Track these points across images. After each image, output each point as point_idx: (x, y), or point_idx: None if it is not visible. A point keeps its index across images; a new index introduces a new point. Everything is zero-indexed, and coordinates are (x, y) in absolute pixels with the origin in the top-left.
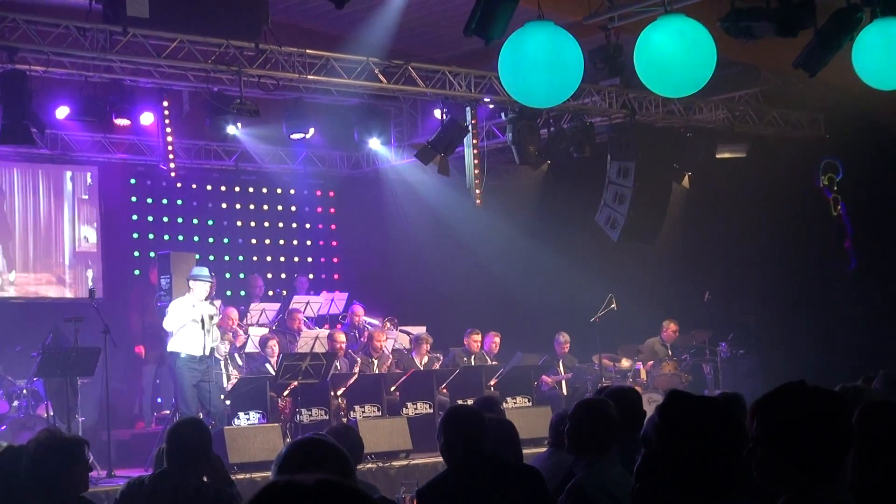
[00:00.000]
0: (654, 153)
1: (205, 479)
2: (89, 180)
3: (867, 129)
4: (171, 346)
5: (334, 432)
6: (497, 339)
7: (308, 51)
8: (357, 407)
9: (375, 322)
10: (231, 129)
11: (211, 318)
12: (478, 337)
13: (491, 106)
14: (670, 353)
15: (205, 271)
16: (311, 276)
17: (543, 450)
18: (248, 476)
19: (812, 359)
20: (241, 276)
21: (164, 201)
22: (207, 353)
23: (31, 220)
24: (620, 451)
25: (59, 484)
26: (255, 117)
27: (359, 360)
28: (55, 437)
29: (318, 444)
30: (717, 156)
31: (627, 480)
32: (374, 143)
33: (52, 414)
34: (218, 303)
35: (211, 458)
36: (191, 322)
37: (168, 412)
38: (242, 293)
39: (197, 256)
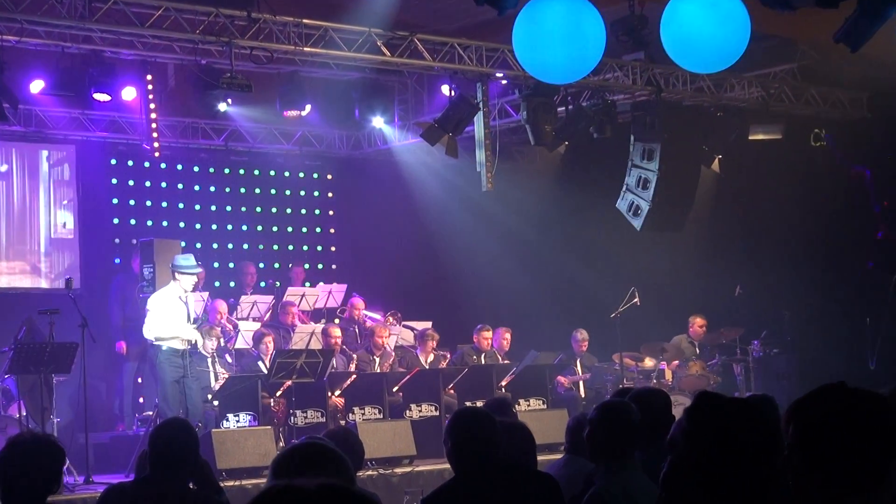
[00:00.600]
0: (682, 134)
1: (191, 487)
2: (66, 160)
3: None
4: (150, 335)
5: (332, 436)
6: (508, 336)
7: (305, 20)
8: (356, 409)
9: (377, 317)
10: (221, 106)
11: (198, 313)
12: (488, 333)
13: (504, 82)
14: (698, 351)
15: (191, 260)
16: (306, 266)
17: (559, 456)
18: (237, 483)
19: (853, 359)
20: (231, 265)
21: (147, 184)
22: (189, 347)
23: (2, 204)
24: (644, 457)
25: (20, 485)
26: (246, 93)
27: (355, 356)
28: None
29: (317, 449)
30: (750, 137)
31: (652, 489)
32: (378, 122)
33: (24, 414)
34: (205, 294)
35: (198, 463)
36: (176, 313)
37: (151, 413)
38: (232, 284)
39: (182, 244)
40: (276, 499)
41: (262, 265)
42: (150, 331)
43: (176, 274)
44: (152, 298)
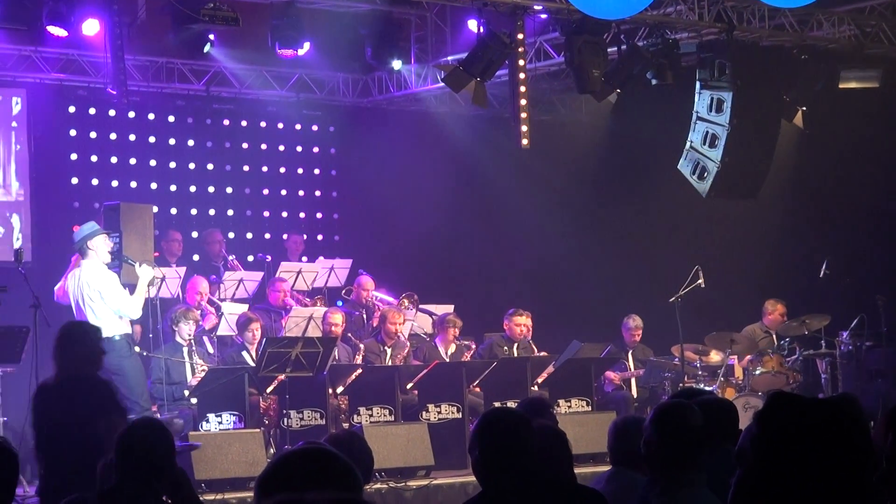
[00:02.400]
0: (758, 81)
1: (166, 500)
2: (14, 107)
3: None
4: (103, 332)
5: (336, 442)
6: (528, 322)
7: None
8: (363, 409)
9: (389, 299)
10: (206, 47)
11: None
12: (522, 319)
13: (543, 16)
14: (775, 343)
15: (92, 224)
16: (304, 236)
17: (606, 468)
18: (219, 496)
19: None
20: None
21: (113, 136)
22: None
23: None
24: (709, 471)
25: None
26: (233, 27)
27: (362, 346)
28: None
29: (321, 457)
30: (841, 86)
31: None
32: (397, 65)
33: None
34: (181, 270)
35: (174, 472)
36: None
37: None
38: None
39: (155, 209)
40: None
41: (249, 235)
42: (135, 307)
43: (88, 244)
44: (90, 283)
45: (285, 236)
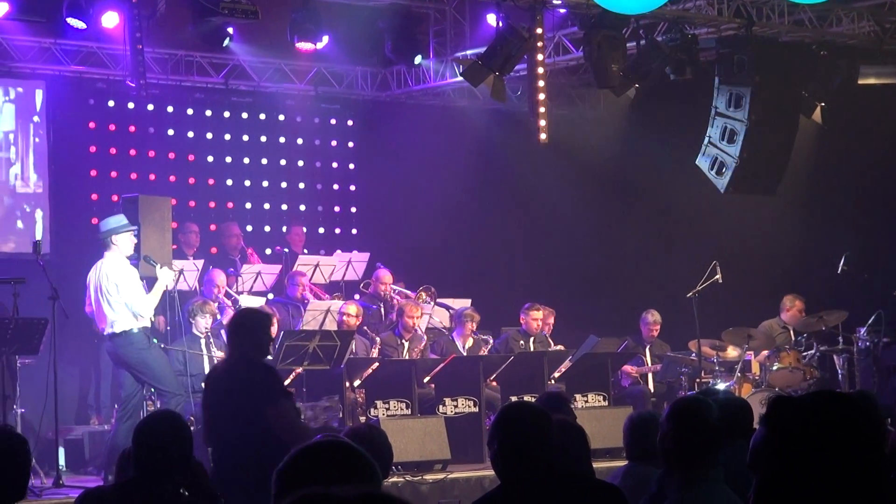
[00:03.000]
0: (777, 77)
1: (183, 493)
2: (34, 100)
3: None
4: (119, 325)
5: (355, 436)
6: (551, 320)
7: None
8: (379, 402)
9: (407, 293)
10: (225, 42)
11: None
12: (538, 313)
13: (562, 11)
14: (793, 339)
15: (121, 218)
16: (321, 230)
17: (622, 463)
18: None
19: None
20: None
21: (132, 129)
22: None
23: None
24: (727, 466)
25: None
26: (252, 20)
27: (378, 340)
28: None
29: (343, 450)
30: (860, 81)
31: None
32: (418, 62)
33: None
34: (199, 263)
35: (191, 465)
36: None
37: None
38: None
39: (173, 201)
40: None
41: (267, 228)
42: (149, 305)
43: (112, 238)
44: (108, 276)
45: (285, 228)
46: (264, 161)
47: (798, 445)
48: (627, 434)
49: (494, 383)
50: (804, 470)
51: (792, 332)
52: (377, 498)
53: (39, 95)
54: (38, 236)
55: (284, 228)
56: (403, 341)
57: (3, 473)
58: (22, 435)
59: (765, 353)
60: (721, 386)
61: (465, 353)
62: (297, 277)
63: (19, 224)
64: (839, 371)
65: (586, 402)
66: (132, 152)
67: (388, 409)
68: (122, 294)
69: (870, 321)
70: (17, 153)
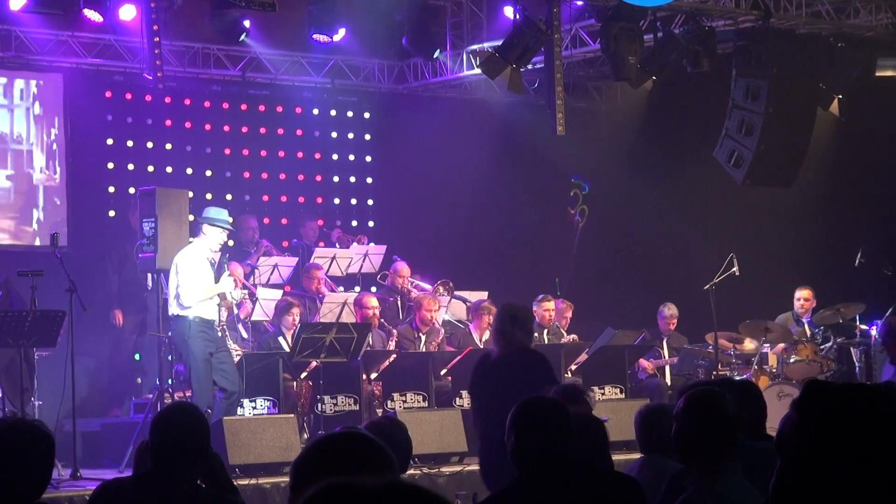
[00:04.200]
0: (794, 69)
1: (200, 484)
2: (52, 92)
3: None
4: (173, 309)
5: (375, 428)
6: (569, 314)
7: None
8: (396, 395)
9: (425, 286)
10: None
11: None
12: (550, 304)
13: (579, 3)
14: (808, 332)
15: (224, 214)
16: (338, 223)
17: (639, 456)
18: (253, 482)
19: None
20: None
21: (149, 121)
22: (222, 317)
23: None
24: (743, 458)
25: (4, 485)
26: (269, 12)
27: (395, 333)
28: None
29: (362, 443)
30: (878, 74)
31: (755, 498)
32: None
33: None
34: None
35: (208, 456)
36: (207, 276)
37: (151, 396)
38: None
39: (190, 194)
40: (335, 498)
41: (284, 221)
42: (189, 297)
43: (204, 227)
44: (180, 258)
45: (325, 228)
46: (281, 154)
47: (828, 432)
48: (639, 428)
49: None
50: (832, 457)
51: (806, 325)
52: (402, 487)
53: (57, 88)
54: (55, 229)
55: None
56: (421, 335)
57: (25, 471)
58: (49, 432)
59: (781, 345)
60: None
61: (481, 346)
62: (313, 271)
63: (38, 216)
64: (856, 364)
65: (603, 394)
66: (149, 145)
67: (405, 401)
68: (179, 279)
69: (887, 313)
70: (36, 145)
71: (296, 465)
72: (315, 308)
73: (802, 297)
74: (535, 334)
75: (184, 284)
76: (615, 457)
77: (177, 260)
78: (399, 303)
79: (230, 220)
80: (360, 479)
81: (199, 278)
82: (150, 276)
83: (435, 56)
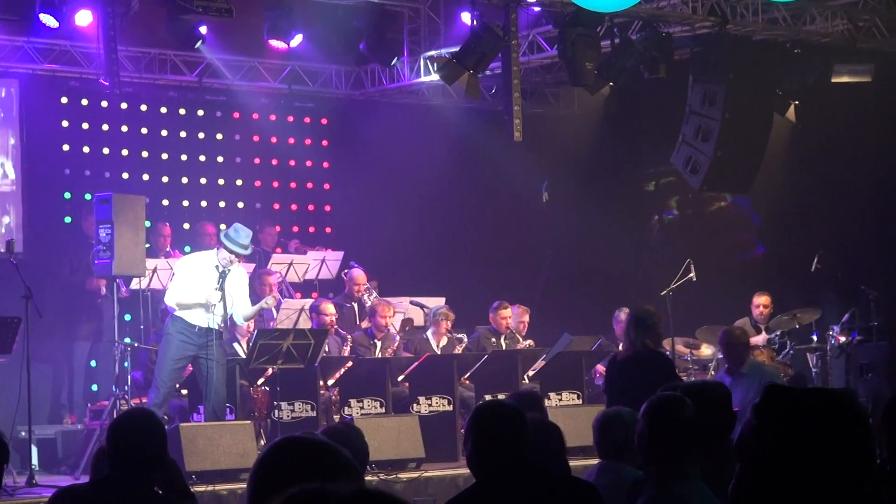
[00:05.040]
0: (751, 75)
1: (157, 491)
2: (7, 98)
3: None
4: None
5: (333, 434)
6: (526, 318)
7: None
8: (353, 401)
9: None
10: (196, 44)
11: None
12: (507, 312)
13: (536, 9)
14: (766, 337)
15: (242, 238)
16: (295, 228)
17: (596, 461)
18: (209, 488)
19: None
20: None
21: (105, 127)
22: (214, 325)
23: None
24: (702, 464)
25: None
26: (226, 18)
27: (350, 339)
28: None
29: (323, 449)
30: (834, 80)
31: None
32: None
33: None
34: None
35: (166, 463)
36: (206, 281)
37: (106, 403)
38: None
39: (147, 200)
40: None
41: None
42: (168, 297)
43: (224, 242)
44: (183, 260)
45: (258, 227)
46: (238, 159)
47: (788, 436)
48: (596, 433)
49: (467, 382)
50: (791, 461)
51: (764, 330)
52: (372, 495)
53: (13, 94)
54: (10, 235)
55: (257, 227)
56: (376, 341)
57: None
58: (4, 440)
59: None
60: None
61: (439, 352)
62: (265, 276)
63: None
64: (812, 369)
65: (560, 400)
66: (105, 151)
67: (362, 408)
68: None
69: (843, 319)
70: None
71: (255, 470)
72: (268, 316)
73: (761, 303)
74: (493, 340)
75: (169, 285)
76: (572, 462)
77: (182, 259)
78: (356, 310)
79: (247, 245)
80: (331, 487)
81: (181, 283)
82: (104, 282)
83: (393, 63)
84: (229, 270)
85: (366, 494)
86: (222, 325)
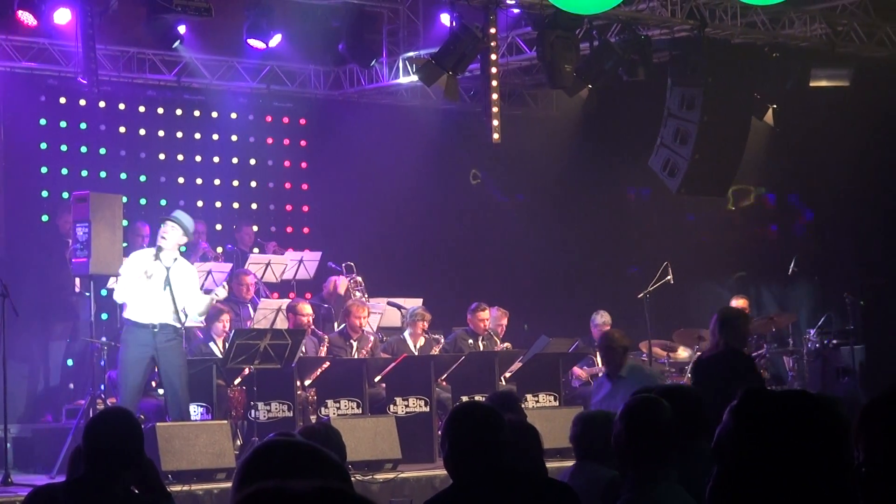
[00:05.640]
0: (729, 79)
1: (134, 490)
2: None
3: None
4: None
5: (311, 434)
6: (504, 321)
7: None
8: (330, 402)
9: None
10: (174, 44)
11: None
12: (485, 314)
13: (516, 11)
14: None
15: (186, 220)
16: (272, 228)
17: (572, 463)
18: (185, 488)
19: None
20: None
21: (83, 126)
22: (167, 320)
23: None
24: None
25: None
26: (205, 18)
27: (326, 339)
28: None
29: (304, 449)
30: (812, 84)
31: None
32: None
33: None
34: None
35: (142, 462)
36: (141, 276)
37: (83, 402)
38: (183, 249)
39: (124, 199)
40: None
41: (219, 227)
42: (117, 293)
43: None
44: (128, 258)
45: (235, 226)
46: (216, 159)
47: (765, 438)
48: (575, 433)
49: (444, 383)
50: (768, 463)
51: None
52: (333, 492)
53: None
54: None
55: (236, 226)
56: (352, 342)
57: None
58: None
59: None
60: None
61: (416, 353)
62: (241, 276)
63: None
64: (789, 372)
65: (537, 402)
66: (83, 149)
67: (338, 408)
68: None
69: (819, 323)
70: None
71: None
72: (249, 315)
73: (738, 306)
74: (471, 341)
75: (116, 284)
76: (549, 464)
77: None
78: (333, 311)
79: (190, 230)
80: (292, 483)
81: (127, 280)
82: (78, 280)
83: (371, 64)
84: (174, 262)
85: (325, 491)
86: (178, 323)
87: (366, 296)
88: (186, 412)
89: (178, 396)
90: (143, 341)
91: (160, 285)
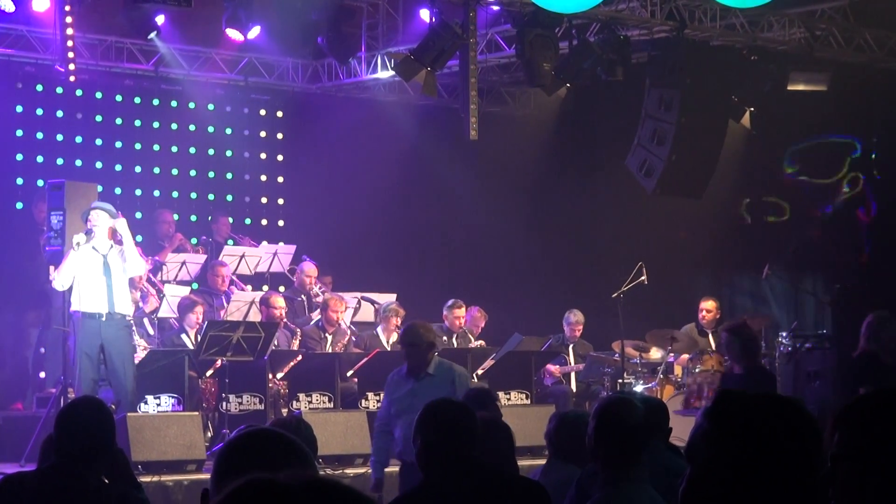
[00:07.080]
0: (707, 80)
1: (104, 479)
2: None
3: None
4: (72, 303)
5: (283, 427)
6: (482, 322)
7: None
8: (302, 395)
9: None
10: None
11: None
12: (461, 311)
13: (495, 8)
14: (712, 343)
15: (106, 205)
16: (247, 220)
17: (544, 461)
18: (156, 479)
19: None
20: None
21: (59, 114)
22: (115, 309)
23: None
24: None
25: None
26: (184, 8)
27: (298, 332)
28: None
29: (281, 440)
30: (789, 87)
31: None
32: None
33: None
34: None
35: (113, 452)
36: (81, 265)
37: (54, 391)
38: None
39: (100, 188)
40: (255, 497)
41: (194, 218)
42: (57, 281)
43: (91, 214)
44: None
45: (210, 217)
46: (192, 150)
47: (739, 441)
48: (552, 431)
49: None
50: (742, 465)
51: (710, 336)
52: (323, 484)
53: None
54: None
55: (211, 217)
56: (327, 335)
57: None
58: None
59: (687, 355)
60: (639, 388)
61: (389, 348)
62: (217, 267)
63: None
64: None
65: (509, 399)
66: (59, 137)
67: (310, 402)
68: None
69: (792, 326)
70: None
71: (220, 460)
72: (222, 306)
73: (706, 308)
74: (445, 338)
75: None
76: (520, 462)
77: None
78: (305, 303)
79: (112, 210)
80: (282, 476)
81: (65, 267)
82: (52, 268)
83: (349, 61)
84: (109, 249)
85: (318, 483)
86: (124, 310)
87: (328, 294)
88: (134, 402)
89: (124, 387)
90: (91, 331)
91: (99, 272)
